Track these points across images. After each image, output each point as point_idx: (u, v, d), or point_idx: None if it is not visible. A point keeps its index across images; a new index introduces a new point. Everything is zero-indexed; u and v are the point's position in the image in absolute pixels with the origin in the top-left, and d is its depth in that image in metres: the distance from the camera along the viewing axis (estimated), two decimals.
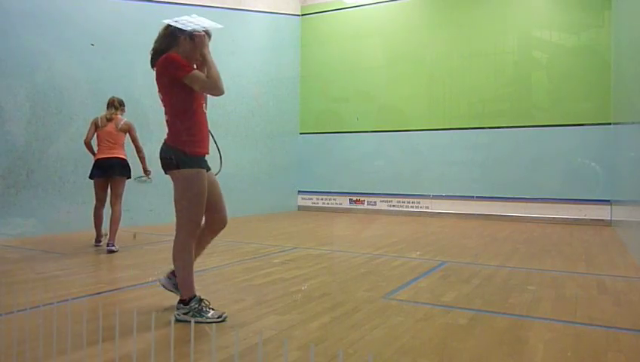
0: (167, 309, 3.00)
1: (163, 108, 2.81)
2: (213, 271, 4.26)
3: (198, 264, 4.52)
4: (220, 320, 2.68)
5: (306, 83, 10.90)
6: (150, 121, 7.50)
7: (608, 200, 8.07)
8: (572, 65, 8.56)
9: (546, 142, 8.66)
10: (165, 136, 2.79)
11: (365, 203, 10.22)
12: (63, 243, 5.58)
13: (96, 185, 5.30)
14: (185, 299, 2.72)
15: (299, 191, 10.92)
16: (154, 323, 1.57)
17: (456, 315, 2.93)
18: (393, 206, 9.93)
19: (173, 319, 2.70)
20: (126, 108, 5.62)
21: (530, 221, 8.55)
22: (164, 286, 2.96)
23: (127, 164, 5.36)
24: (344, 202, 10.41)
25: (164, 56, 2.73)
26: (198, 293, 2.77)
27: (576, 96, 8.51)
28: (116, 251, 5.02)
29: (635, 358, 2.30)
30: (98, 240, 5.40)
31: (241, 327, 2.67)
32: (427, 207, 9.59)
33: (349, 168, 10.33)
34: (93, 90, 6.83)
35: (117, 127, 5.35)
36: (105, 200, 5.36)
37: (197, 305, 2.70)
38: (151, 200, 7.50)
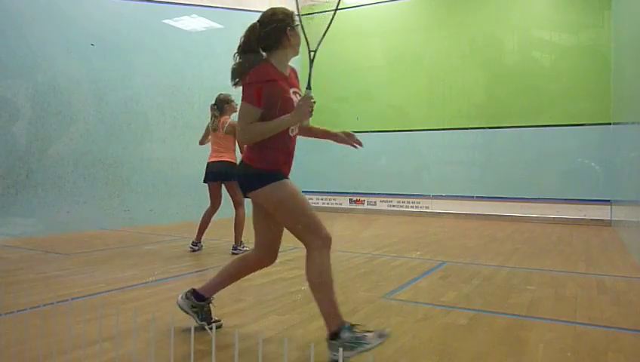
0: (166, 309, 3.00)
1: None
2: (213, 271, 4.25)
3: (199, 264, 4.53)
4: (382, 340, 2.15)
5: None
6: (150, 121, 7.51)
7: (608, 200, 8.07)
8: (572, 65, 8.56)
9: (546, 142, 8.65)
10: (243, 154, 2.47)
11: (365, 203, 10.21)
12: (63, 243, 5.58)
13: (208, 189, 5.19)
14: (335, 332, 2.18)
15: None
16: (153, 323, 1.57)
17: (456, 315, 2.93)
18: (393, 206, 9.93)
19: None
20: (230, 106, 5.14)
21: (530, 221, 8.55)
22: (180, 307, 2.59)
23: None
24: (344, 202, 10.40)
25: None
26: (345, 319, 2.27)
27: (576, 96, 8.50)
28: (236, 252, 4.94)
29: (634, 358, 2.30)
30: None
31: (241, 327, 2.67)
32: (427, 207, 9.58)
33: (349, 168, 10.31)
34: (93, 90, 6.83)
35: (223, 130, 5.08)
36: (217, 205, 5.18)
37: (350, 334, 2.16)
38: (151, 201, 7.51)
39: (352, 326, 2.18)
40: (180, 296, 2.63)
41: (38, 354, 2.11)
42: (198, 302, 2.58)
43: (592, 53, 8.42)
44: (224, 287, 2.64)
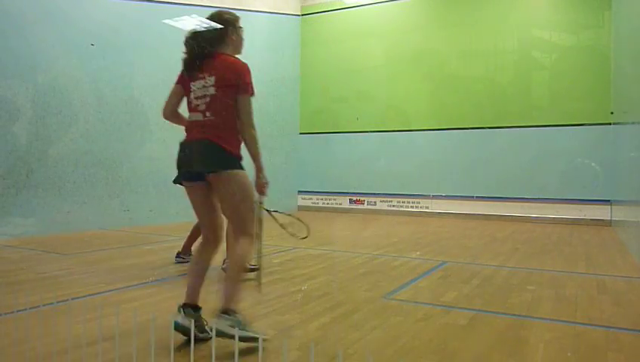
0: (166, 309, 3.00)
1: (196, 104, 2.58)
2: (213, 271, 4.25)
3: None
4: (264, 336, 2.35)
5: (306, 83, 10.90)
6: (150, 121, 7.52)
7: (608, 200, 8.07)
8: (572, 65, 8.56)
9: (546, 142, 8.65)
10: (204, 134, 2.50)
11: (365, 203, 10.21)
12: (63, 243, 5.58)
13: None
14: (230, 309, 2.36)
15: (299, 191, 10.92)
16: (154, 323, 1.57)
17: (456, 315, 2.93)
18: (393, 206, 9.93)
19: (213, 331, 1.90)
20: None
21: (530, 221, 8.55)
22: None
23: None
24: (344, 202, 10.40)
25: (238, 60, 2.61)
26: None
27: (576, 96, 8.50)
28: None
29: (635, 358, 2.30)
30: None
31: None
32: (427, 207, 9.58)
33: (349, 168, 10.33)
34: (93, 90, 6.84)
35: None
36: None
37: (241, 318, 2.36)
38: (151, 201, 7.51)
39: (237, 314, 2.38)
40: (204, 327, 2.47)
41: (38, 354, 2.11)
42: (196, 312, 2.49)
43: (592, 53, 8.42)
44: (201, 285, 2.60)
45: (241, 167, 2.53)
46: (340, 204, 10.43)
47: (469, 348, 2.39)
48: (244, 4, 9.25)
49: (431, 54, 9.73)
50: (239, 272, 2.48)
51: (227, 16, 2.77)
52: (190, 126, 2.63)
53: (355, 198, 10.31)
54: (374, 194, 10.11)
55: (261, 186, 2.67)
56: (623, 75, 6.44)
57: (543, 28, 8.88)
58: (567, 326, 2.75)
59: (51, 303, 2.91)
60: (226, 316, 2.34)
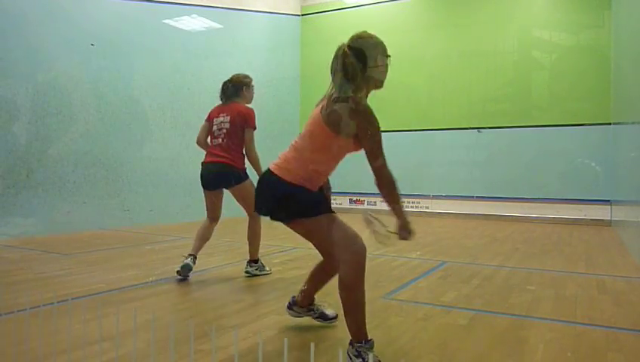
0: (166, 309, 3.00)
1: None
2: (213, 271, 4.26)
3: (200, 265, 4.53)
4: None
5: (306, 83, 10.89)
6: (150, 121, 7.52)
7: (608, 200, 8.07)
8: (572, 65, 8.56)
9: (546, 142, 8.65)
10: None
11: (365, 203, 10.21)
12: (63, 243, 5.58)
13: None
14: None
15: None
16: (154, 323, 1.56)
17: (456, 315, 2.93)
18: None
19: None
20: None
21: (530, 221, 8.55)
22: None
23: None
24: (344, 202, 10.40)
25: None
26: None
27: (576, 96, 8.50)
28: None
29: (635, 358, 2.30)
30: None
31: (241, 327, 2.67)
32: (427, 207, 9.58)
33: (349, 168, 10.29)
34: (93, 90, 6.83)
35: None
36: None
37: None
38: (151, 201, 7.51)
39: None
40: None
41: (38, 354, 2.11)
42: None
43: (592, 53, 8.42)
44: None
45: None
46: (340, 204, 10.42)
47: (469, 348, 2.39)
48: (244, 4, 9.25)
49: (431, 54, 9.72)
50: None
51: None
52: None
53: (355, 198, 10.30)
54: (374, 194, 10.06)
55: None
56: (623, 75, 6.44)
57: (543, 28, 8.88)
58: (567, 326, 2.75)
59: (51, 303, 2.91)
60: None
